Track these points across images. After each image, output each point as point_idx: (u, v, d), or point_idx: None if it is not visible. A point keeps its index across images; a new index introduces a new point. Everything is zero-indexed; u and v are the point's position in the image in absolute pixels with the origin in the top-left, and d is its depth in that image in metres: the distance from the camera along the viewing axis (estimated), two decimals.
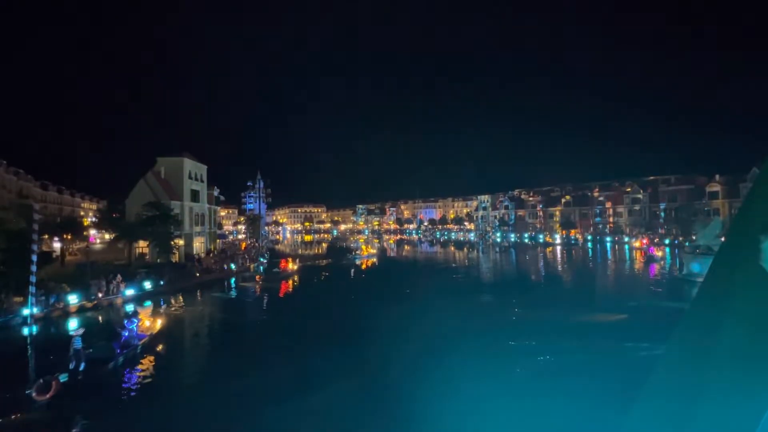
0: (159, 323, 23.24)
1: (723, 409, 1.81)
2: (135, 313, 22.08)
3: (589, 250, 79.33)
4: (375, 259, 65.06)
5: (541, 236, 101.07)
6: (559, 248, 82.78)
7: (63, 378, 15.34)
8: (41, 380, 14.53)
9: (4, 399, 14.22)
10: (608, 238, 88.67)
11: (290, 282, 43.23)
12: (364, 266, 58.25)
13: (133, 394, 16.06)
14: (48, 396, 14.12)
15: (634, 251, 71.12)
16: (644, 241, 75.51)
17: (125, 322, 20.61)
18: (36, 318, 24.83)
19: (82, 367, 17.37)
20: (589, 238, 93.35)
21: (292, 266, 49.60)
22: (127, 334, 19.81)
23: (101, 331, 22.47)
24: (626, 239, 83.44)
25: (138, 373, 17.79)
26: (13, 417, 13.39)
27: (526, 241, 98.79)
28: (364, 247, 75.23)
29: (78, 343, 17.80)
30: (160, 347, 21.37)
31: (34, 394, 14.16)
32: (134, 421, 13.84)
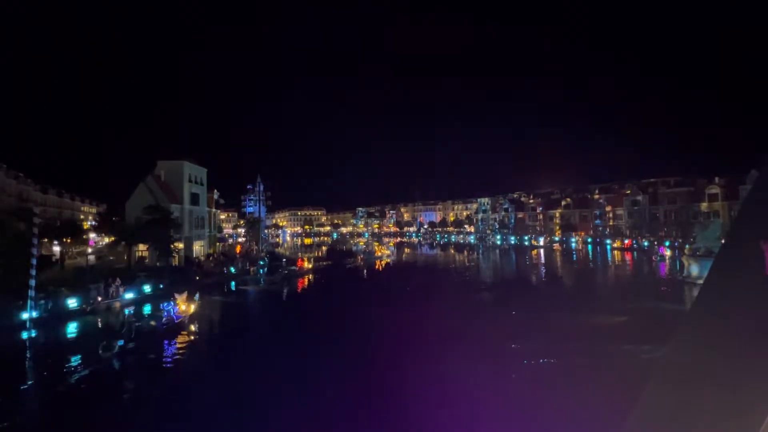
0: (193, 308, 27.47)
1: (724, 412, 1.80)
2: (173, 298, 26.73)
3: (589, 252, 79.37)
4: (374, 263, 64.97)
5: (540, 239, 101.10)
6: (558, 251, 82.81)
7: (120, 342, 20.34)
8: (105, 342, 19.90)
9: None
10: (608, 241, 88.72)
11: (292, 286, 43.28)
12: (366, 270, 58.22)
13: (170, 357, 21.30)
14: (110, 354, 19.61)
15: (615, 251, 74.99)
16: (627, 242, 79.52)
17: (165, 304, 26.07)
18: (35, 322, 24.77)
19: (132, 335, 21.57)
20: (589, 240, 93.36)
21: (306, 265, 52.97)
22: (166, 314, 24.98)
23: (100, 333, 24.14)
24: (626, 241, 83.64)
25: (176, 343, 22.92)
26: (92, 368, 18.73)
27: (526, 243, 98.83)
28: (377, 248, 76.13)
29: (128, 318, 22.70)
30: (192, 326, 26.03)
31: (100, 352, 19.45)
32: (169, 373, 19.26)
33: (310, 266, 54.24)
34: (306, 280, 47.53)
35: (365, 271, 56.38)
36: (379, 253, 72.38)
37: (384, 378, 16.68)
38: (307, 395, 15.62)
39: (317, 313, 30.93)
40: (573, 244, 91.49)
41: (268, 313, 33.67)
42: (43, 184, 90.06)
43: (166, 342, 22.72)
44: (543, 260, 68.62)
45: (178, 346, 22.73)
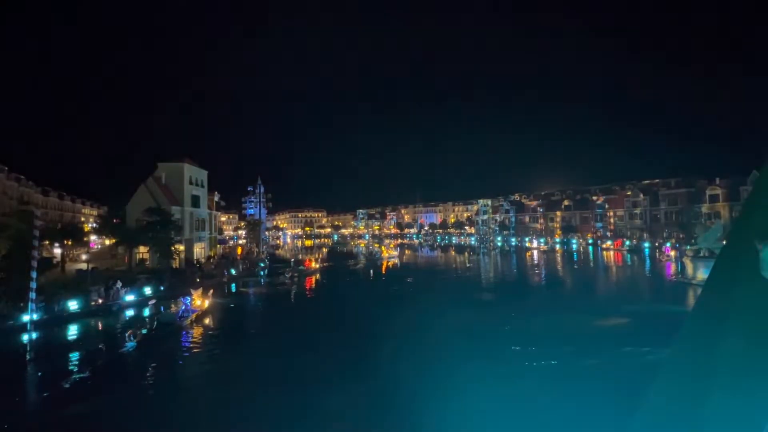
0: (207, 303, 30.14)
1: (726, 415, 1.79)
2: (190, 294, 29.21)
3: (590, 253, 79.30)
4: (381, 265, 64.98)
5: (541, 240, 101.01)
6: (559, 252, 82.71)
7: (144, 331, 24.19)
8: (131, 330, 23.67)
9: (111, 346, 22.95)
10: (609, 242, 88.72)
11: (292, 290, 43.26)
12: (370, 271, 58.27)
13: (187, 343, 23.90)
14: (136, 341, 22.65)
15: (604, 252, 76.97)
16: (616, 243, 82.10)
17: (182, 298, 28.62)
18: (36, 324, 24.73)
19: (155, 325, 25.16)
20: (591, 241, 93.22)
21: (314, 265, 54.92)
22: (184, 307, 27.49)
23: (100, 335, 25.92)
24: (626, 243, 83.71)
25: (192, 332, 25.58)
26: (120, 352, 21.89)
27: (527, 245, 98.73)
28: (383, 250, 77.09)
29: (152, 310, 27.06)
30: (206, 319, 28.66)
31: (127, 339, 22.69)
32: (186, 358, 22.05)
33: (318, 266, 55.91)
34: (313, 279, 48.83)
35: (371, 271, 56.89)
36: (386, 254, 72.96)
37: (384, 379, 16.65)
38: (308, 384, 16.87)
39: (320, 312, 32.23)
40: (574, 246, 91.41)
41: (272, 309, 34.53)
42: (44, 186, 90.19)
43: (183, 331, 25.46)
44: (543, 262, 68.56)
45: (194, 334, 25.52)
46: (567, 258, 72.57)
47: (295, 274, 48.90)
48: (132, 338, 22.80)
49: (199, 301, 29.30)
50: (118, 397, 16.18)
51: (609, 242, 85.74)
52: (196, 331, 25.97)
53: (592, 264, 65.21)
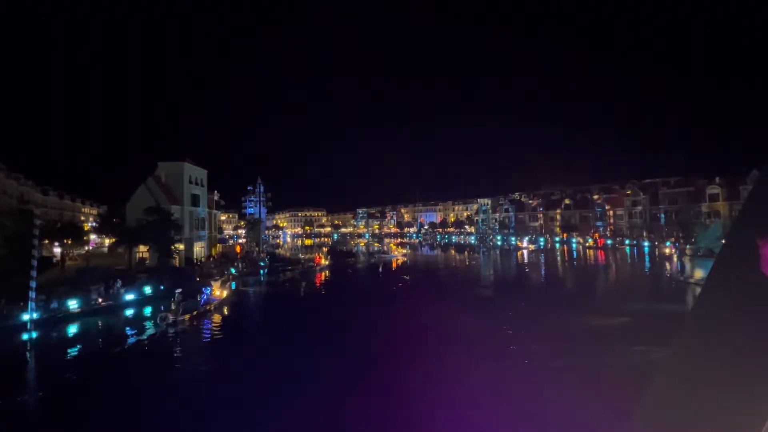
0: (225, 293, 33.59)
1: (727, 413, 1.79)
2: (209, 284, 32.83)
3: (587, 252, 79.34)
4: (390, 263, 65.14)
5: (541, 240, 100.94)
6: (559, 251, 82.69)
7: (172, 317, 26.53)
8: (160, 316, 26.52)
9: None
10: (609, 241, 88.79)
11: (290, 290, 43.26)
12: (372, 269, 58.36)
13: (210, 327, 26.98)
14: (165, 324, 25.71)
15: (588, 250, 79.43)
16: (600, 241, 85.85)
17: (202, 289, 31.61)
18: (36, 323, 24.73)
19: (180, 312, 27.54)
20: (590, 240, 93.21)
21: (324, 261, 57.64)
22: (205, 296, 30.65)
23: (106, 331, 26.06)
24: (626, 242, 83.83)
25: (212, 318, 28.84)
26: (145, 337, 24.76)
27: (518, 244, 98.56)
28: (392, 248, 78.44)
29: (178, 297, 28.94)
30: (225, 309, 31.79)
31: (158, 322, 26.01)
32: (209, 339, 24.97)
33: (327, 263, 57.88)
34: (322, 275, 50.28)
35: (373, 269, 57.60)
36: (395, 252, 74.16)
37: (382, 379, 16.66)
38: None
39: (323, 307, 33.51)
40: (574, 245, 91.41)
41: (275, 305, 35.50)
42: (43, 185, 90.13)
43: (205, 318, 28.49)
44: (543, 261, 68.57)
45: (215, 319, 28.65)
46: (557, 256, 72.61)
47: (304, 270, 50.46)
48: (162, 322, 25.72)
49: (218, 291, 32.82)
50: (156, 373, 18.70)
51: (591, 240, 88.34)
52: (216, 317, 29.33)
53: (585, 263, 65.21)
